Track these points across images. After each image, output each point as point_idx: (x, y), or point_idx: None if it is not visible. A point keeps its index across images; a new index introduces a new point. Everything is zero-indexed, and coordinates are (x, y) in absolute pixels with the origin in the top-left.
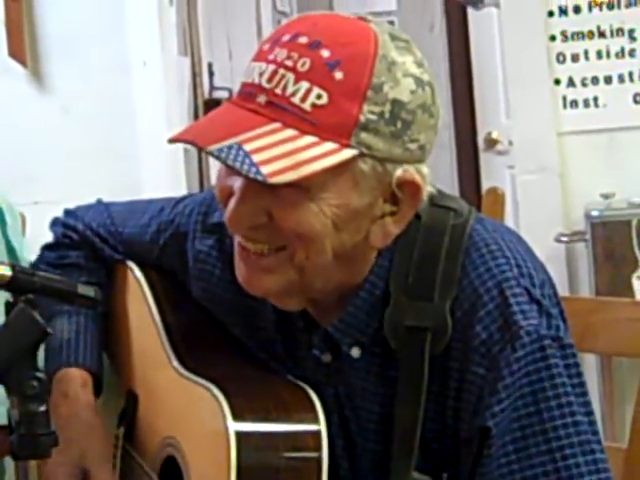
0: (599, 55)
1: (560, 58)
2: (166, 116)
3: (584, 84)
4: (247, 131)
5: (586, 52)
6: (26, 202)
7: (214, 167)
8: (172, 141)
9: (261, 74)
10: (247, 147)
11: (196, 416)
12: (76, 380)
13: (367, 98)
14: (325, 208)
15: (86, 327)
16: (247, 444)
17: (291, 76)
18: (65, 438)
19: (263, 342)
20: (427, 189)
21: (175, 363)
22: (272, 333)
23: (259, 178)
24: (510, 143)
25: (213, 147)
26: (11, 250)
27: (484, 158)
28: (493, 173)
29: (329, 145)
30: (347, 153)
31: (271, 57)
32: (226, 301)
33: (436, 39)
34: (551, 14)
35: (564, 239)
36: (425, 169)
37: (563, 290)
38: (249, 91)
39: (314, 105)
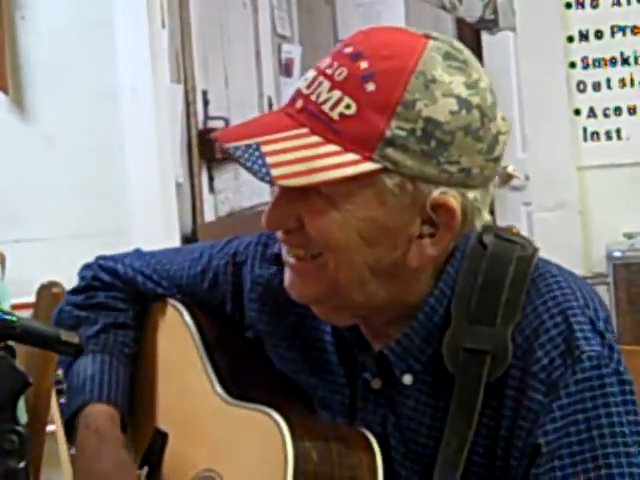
0: (622, 83)
1: (580, 87)
2: (157, 148)
3: (606, 115)
4: (273, 133)
5: (608, 80)
6: (6, 240)
7: (208, 203)
8: (214, 137)
9: (305, 79)
10: (265, 148)
11: (246, 442)
12: (103, 415)
13: (396, 113)
14: (350, 219)
15: (111, 364)
16: (304, 468)
17: (327, 84)
18: (94, 472)
19: (318, 366)
20: (484, 216)
21: (220, 390)
22: (329, 355)
23: (266, 179)
24: (527, 178)
25: (232, 145)
26: None
27: (499, 194)
28: (508, 210)
29: (350, 156)
30: (367, 166)
31: (321, 64)
32: (282, 323)
33: None
34: (571, 39)
35: None
36: (476, 194)
37: None
38: (293, 95)
39: (342, 114)
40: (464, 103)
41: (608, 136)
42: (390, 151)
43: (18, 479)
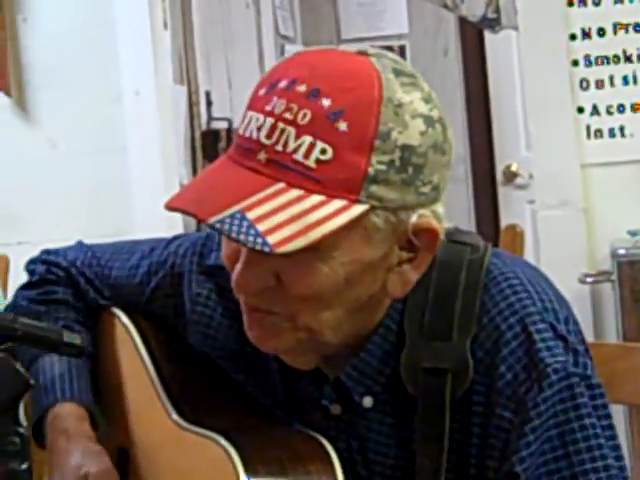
0: (625, 81)
1: (583, 84)
2: (161, 150)
3: (609, 112)
4: (249, 196)
5: (611, 78)
6: (9, 242)
7: None
8: (169, 208)
9: (259, 128)
10: (250, 215)
11: (202, 471)
12: (72, 415)
13: (375, 148)
14: (337, 267)
15: (78, 364)
16: None
17: (292, 130)
18: (66, 465)
19: (267, 390)
20: (444, 227)
21: (174, 416)
22: (276, 383)
23: (266, 250)
24: (530, 176)
25: (214, 218)
26: None
27: (502, 192)
28: (512, 208)
29: (337, 203)
30: (357, 209)
31: (268, 108)
32: (228, 347)
33: (451, 64)
34: (573, 37)
35: (589, 280)
36: (440, 208)
37: (588, 335)
38: (248, 147)
39: (319, 161)
40: (428, 120)
41: (611, 133)
42: (375, 188)
43: None
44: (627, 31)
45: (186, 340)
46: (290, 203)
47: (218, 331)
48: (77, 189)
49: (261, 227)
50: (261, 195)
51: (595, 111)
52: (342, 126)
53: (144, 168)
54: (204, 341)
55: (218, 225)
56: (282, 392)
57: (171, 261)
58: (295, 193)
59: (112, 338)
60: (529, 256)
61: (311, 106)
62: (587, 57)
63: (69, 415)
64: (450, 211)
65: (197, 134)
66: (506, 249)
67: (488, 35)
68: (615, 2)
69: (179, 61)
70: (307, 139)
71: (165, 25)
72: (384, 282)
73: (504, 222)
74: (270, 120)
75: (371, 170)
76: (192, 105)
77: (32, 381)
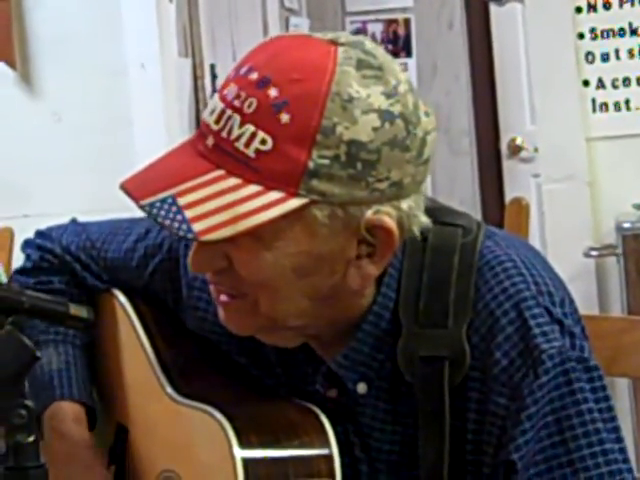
0: (631, 54)
1: (589, 58)
2: (165, 122)
3: (615, 86)
4: (187, 180)
5: (617, 51)
6: (15, 215)
7: None
8: (121, 187)
9: (212, 112)
10: (182, 201)
11: (197, 444)
12: (69, 416)
13: (316, 142)
14: (281, 257)
15: (75, 356)
16: (255, 472)
17: (237, 118)
18: (63, 477)
19: (269, 372)
20: (421, 219)
21: (169, 390)
22: (274, 364)
23: (190, 236)
24: (535, 150)
25: (146, 201)
26: None
27: (507, 166)
28: (517, 182)
29: (274, 195)
30: (293, 203)
31: (224, 92)
32: (226, 331)
33: (456, 37)
34: (579, 10)
35: (594, 253)
36: (406, 203)
37: (592, 309)
38: (202, 130)
39: (258, 151)
40: (386, 115)
41: (617, 107)
42: (315, 183)
43: (28, 453)
44: (633, 4)
45: (185, 323)
46: (225, 191)
47: (216, 316)
48: (82, 162)
49: (190, 214)
50: (199, 180)
51: (601, 84)
52: (284, 118)
53: (149, 140)
54: (203, 326)
55: (147, 208)
56: (282, 374)
57: (167, 245)
58: (233, 181)
59: (111, 318)
60: (534, 230)
61: (258, 95)
62: (593, 30)
63: (66, 416)
64: (454, 184)
65: (201, 107)
66: (511, 223)
67: (493, 8)
68: None
69: (184, 34)
70: (249, 128)
71: None
72: (344, 275)
73: (509, 195)
74: (221, 105)
75: (311, 164)
76: (197, 78)
77: (38, 354)
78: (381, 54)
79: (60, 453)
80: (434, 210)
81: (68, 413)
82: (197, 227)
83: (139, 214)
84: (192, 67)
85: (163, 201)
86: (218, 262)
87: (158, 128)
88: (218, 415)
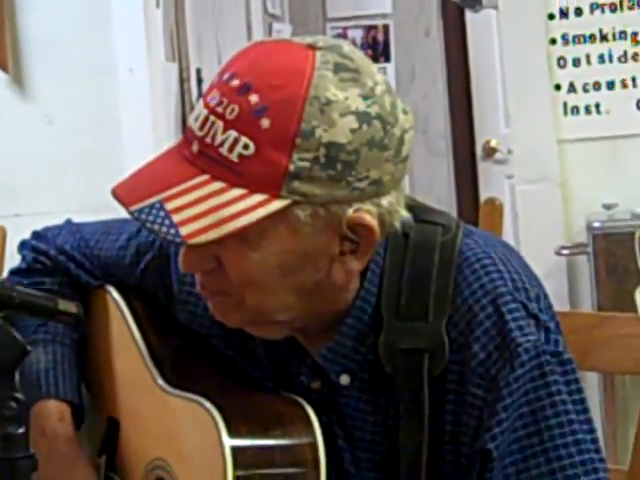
0: (601, 59)
1: (561, 62)
2: (153, 125)
3: (586, 90)
4: (174, 186)
5: (588, 56)
6: (7, 214)
7: None
8: (112, 193)
9: (197, 118)
10: (169, 206)
11: (187, 433)
12: (53, 415)
13: (296, 146)
14: (267, 256)
15: (63, 355)
16: (244, 460)
17: (220, 124)
18: (46, 476)
19: (255, 364)
20: (401, 214)
21: (160, 382)
22: (261, 356)
23: (177, 240)
24: (509, 152)
25: (135, 207)
26: None
27: (482, 167)
28: (491, 183)
29: (257, 197)
30: (276, 204)
31: (208, 99)
32: (215, 325)
33: (432, 43)
34: (552, 17)
35: (565, 252)
36: (386, 200)
37: (563, 305)
38: (187, 136)
39: (241, 155)
40: (363, 117)
41: (587, 110)
42: (297, 184)
43: (18, 444)
44: (603, 11)
45: (176, 317)
46: (210, 195)
47: (206, 310)
48: (73, 163)
49: (177, 218)
50: (185, 186)
51: (572, 88)
52: (265, 123)
53: (137, 141)
54: (192, 319)
55: (136, 214)
56: (269, 366)
57: (158, 242)
58: (217, 185)
59: (104, 314)
60: (507, 229)
61: (239, 101)
62: (565, 36)
63: (50, 414)
64: (432, 184)
65: (187, 109)
66: (485, 222)
67: (469, 15)
68: None
69: (171, 39)
70: (232, 134)
71: (157, 3)
72: (328, 271)
73: (483, 195)
74: (204, 112)
75: (292, 167)
76: (183, 82)
77: (29, 348)
78: (358, 57)
79: (43, 450)
80: (415, 209)
81: (53, 411)
82: (184, 231)
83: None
84: (179, 71)
85: (151, 206)
86: (207, 263)
87: (146, 130)
88: (208, 405)
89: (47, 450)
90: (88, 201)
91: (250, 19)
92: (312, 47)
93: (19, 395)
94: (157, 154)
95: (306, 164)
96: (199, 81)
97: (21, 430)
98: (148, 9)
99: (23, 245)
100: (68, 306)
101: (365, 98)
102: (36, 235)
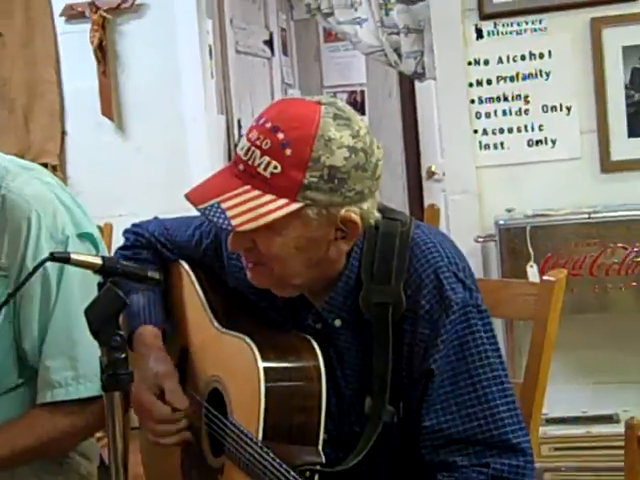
0: (504, 113)
1: (478, 115)
2: (209, 157)
3: (494, 133)
4: (227, 192)
5: (495, 111)
6: (114, 215)
7: None
8: (186, 196)
9: (242, 148)
10: (224, 205)
11: (234, 358)
12: (151, 333)
13: (309, 167)
14: (288, 240)
15: (155, 299)
16: (271, 376)
17: (258, 152)
18: (144, 367)
19: (279, 313)
20: (375, 214)
21: (216, 324)
22: (282, 307)
23: (229, 228)
24: (443, 174)
25: (201, 206)
26: None
27: (426, 185)
28: (432, 195)
29: (282, 201)
30: (295, 206)
31: (250, 135)
32: (252, 285)
33: (393, 102)
34: (471, 85)
35: (480, 240)
36: (366, 205)
37: (479, 275)
38: (236, 159)
39: (272, 173)
40: (352, 150)
41: (495, 147)
42: (308, 193)
43: (121, 364)
44: (505, 81)
45: (227, 282)
46: (251, 199)
47: (246, 277)
48: (156, 179)
49: (229, 213)
50: (234, 192)
51: (485, 132)
52: (288, 152)
53: (199, 171)
54: (237, 283)
55: (202, 211)
56: (286, 314)
57: (214, 231)
58: (256, 192)
59: (178, 278)
60: (442, 225)
61: (271, 137)
62: (480, 98)
63: (148, 334)
64: (392, 197)
65: (232, 148)
66: (428, 220)
67: (417, 83)
68: (498, 63)
69: (220, 99)
70: (266, 158)
71: (212, 75)
72: (327, 250)
73: (427, 203)
74: (247, 144)
75: (305, 181)
76: (229, 128)
77: (128, 301)
78: (348, 110)
79: (143, 351)
80: (383, 210)
81: (151, 331)
82: (234, 222)
83: (195, 213)
84: (226, 121)
85: (212, 206)
86: (247, 243)
87: (204, 160)
88: (248, 340)
89: (146, 351)
90: (166, 206)
91: (273, 85)
92: (318, 102)
93: (121, 332)
94: (214, 172)
95: (315, 180)
96: (239, 128)
97: (123, 355)
98: (206, 77)
99: (126, 231)
100: (154, 274)
101: (354, 137)
102: (135, 225)
